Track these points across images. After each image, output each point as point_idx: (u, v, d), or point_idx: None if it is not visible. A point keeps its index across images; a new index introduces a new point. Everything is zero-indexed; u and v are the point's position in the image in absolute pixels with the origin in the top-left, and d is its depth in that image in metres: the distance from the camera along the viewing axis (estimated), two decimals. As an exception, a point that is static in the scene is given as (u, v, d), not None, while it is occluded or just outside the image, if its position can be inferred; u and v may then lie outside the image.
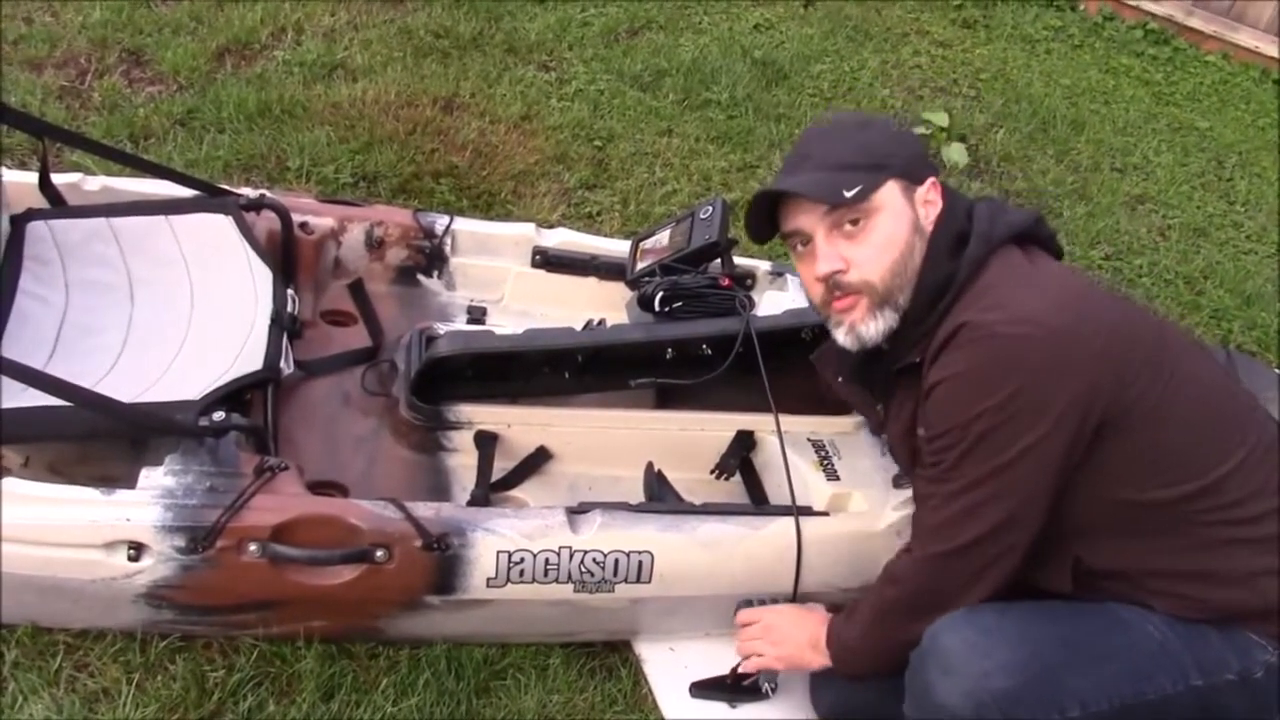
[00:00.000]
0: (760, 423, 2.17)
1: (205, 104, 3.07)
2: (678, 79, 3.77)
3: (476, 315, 2.40)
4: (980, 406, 1.50)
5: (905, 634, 1.59)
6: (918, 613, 1.58)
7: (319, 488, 1.89)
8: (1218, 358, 2.27)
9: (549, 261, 2.47)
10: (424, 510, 1.80)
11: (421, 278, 2.46)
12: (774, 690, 1.92)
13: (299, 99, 3.17)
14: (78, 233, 2.12)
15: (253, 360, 1.97)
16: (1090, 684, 1.50)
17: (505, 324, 2.31)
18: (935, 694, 1.51)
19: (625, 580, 1.86)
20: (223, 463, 1.76)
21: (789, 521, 1.91)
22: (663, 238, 2.30)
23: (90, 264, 2.09)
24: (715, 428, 2.20)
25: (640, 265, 2.30)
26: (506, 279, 2.47)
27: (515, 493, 2.09)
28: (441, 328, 2.21)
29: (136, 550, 1.68)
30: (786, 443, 2.00)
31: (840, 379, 1.88)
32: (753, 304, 2.17)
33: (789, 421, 2.08)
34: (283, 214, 2.27)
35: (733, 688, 1.92)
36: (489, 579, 1.80)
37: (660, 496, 2.01)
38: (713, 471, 2.20)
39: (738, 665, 1.90)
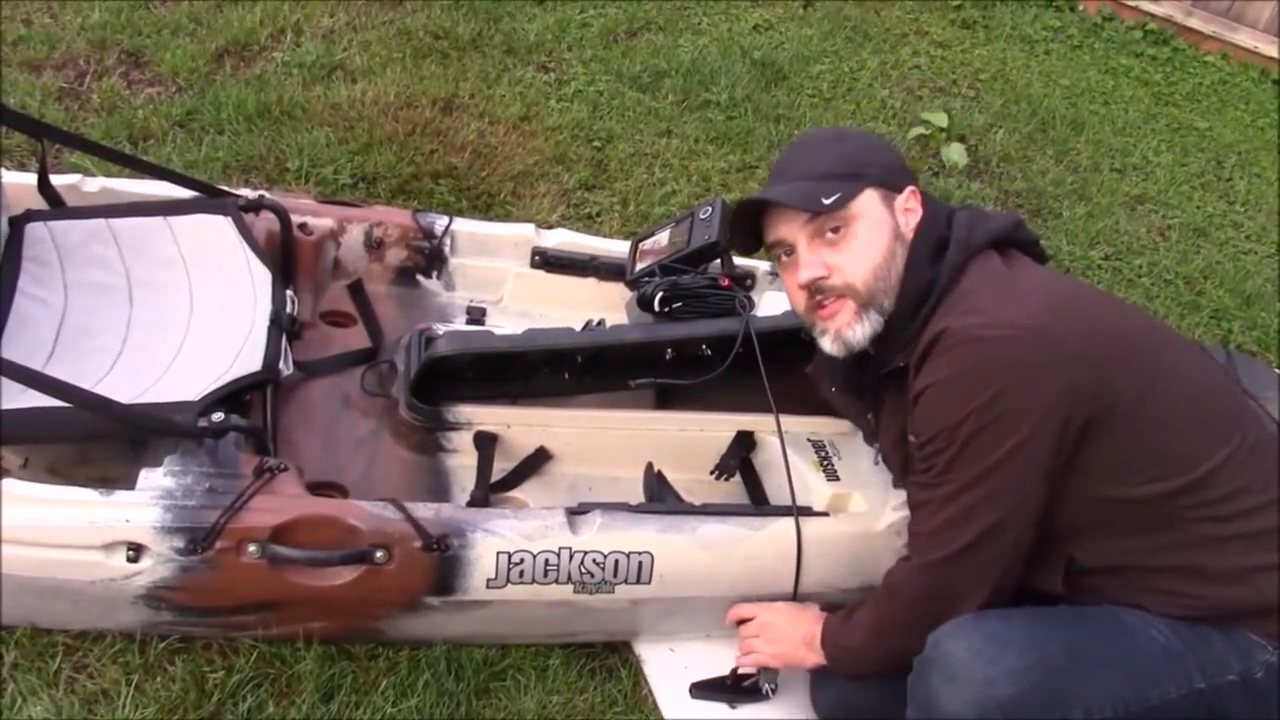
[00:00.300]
0: (760, 423, 2.17)
1: (204, 105, 3.07)
2: (677, 80, 3.77)
3: (476, 316, 2.40)
4: (965, 410, 1.51)
5: (907, 640, 1.59)
6: (920, 619, 1.58)
7: (318, 489, 1.88)
8: (1218, 357, 2.28)
9: (548, 262, 2.47)
10: (424, 511, 1.80)
11: (421, 278, 2.46)
12: (774, 691, 1.92)
13: (298, 100, 3.17)
14: (77, 234, 2.12)
15: (252, 361, 1.97)
16: (1095, 690, 1.50)
17: (505, 324, 2.31)
18: (939, 701, 1.51)
19: (625, 581, 1.85)
20: (222, 464, 1.76)
21: (789, 522, 1.91)
22: (662, 238, 2.30)
23: (89, 265, 2.09)
24: (715, 428, 2.20)
25: (640, 266, 2.30)
26: (506, 279, 2.47)
27: (515, 493, 2.09)
28: (441, 328, 2.21)
29: (136, 551, 1.68)
30: (786, 443, 2.00)
31: (833, 389, 1.90)
32: (752, 304, 2.17)
33: (789, 422, 2.08)
34: (282, 215, 2.27)
35: (733, 688, 1.92)
36: (489, 580, 1.79)
37: (660, 497, 2.01)
38: (713, 472, 2.20)
39: (738, 666, 1.90)
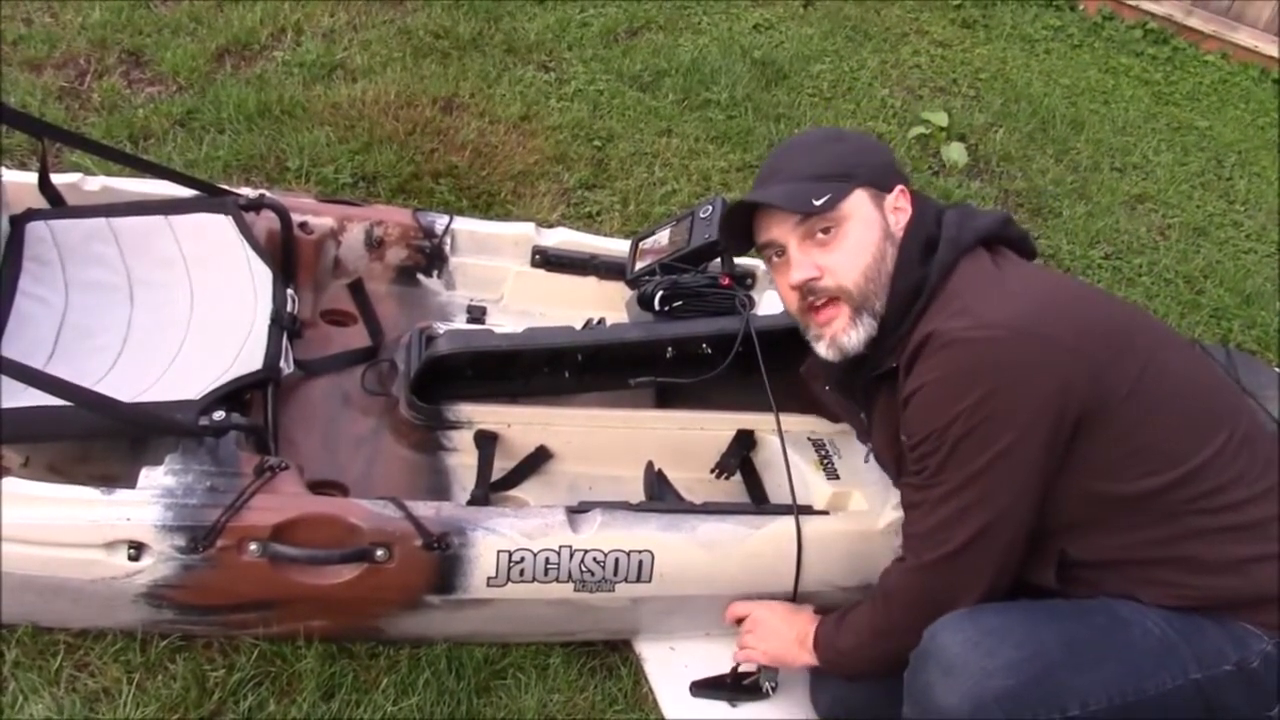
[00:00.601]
0: (760, 422, 2.18)
1: (205, 104, 3.07)
2: (677, 79, 3.77)
3: (476, 315, 2.40)
4: (954, 412, 1.52)
5: (902, 642, 1.60)
6: (916, 621, 1.58)
7: (319, 487, 1.89)
8: (1218, 356, 2.28)
9: (549, 261, 2.47)
10: (424, 509, 1.80)
11: (421, 277, 2.46)
12: (774, 689, 1.92)
13: (298, 99, 3.17)
14: (77, 233, 2.12)
15: (252, 360, 1.97)
16: (1091, 682, 1.50)
17: (505, 323, 2.31)
18: (935, 694, 1.51)
19: (625, 579, 1.86)
20: (223, 462, 1.76)
21: (789, 521, 1.91)
22: (662, 237, 2.30)
23: (90, 264, 2.09)
24: (715, 427, 2.20)
25: (640, 264, 2.30)
26: (506, 278, 2.47)
27: (515, 492, 2.10)
28: (441, 327, 2.21)
29: (137, 550, 1.68)
30: (787, 442, 2.00)
31: (826, 389, 1.91)
32: (752, 303, 2.17)
33: (789, 420, 2.08)
34: (282, 214, 2.27)
35: (733, 687, 1.92)
36: (489, 578, 1.80)
37: (660, 496, 2.01)
38: (713, 471, 2.20)
39: (738, 664, 1.91)
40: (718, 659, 1.94)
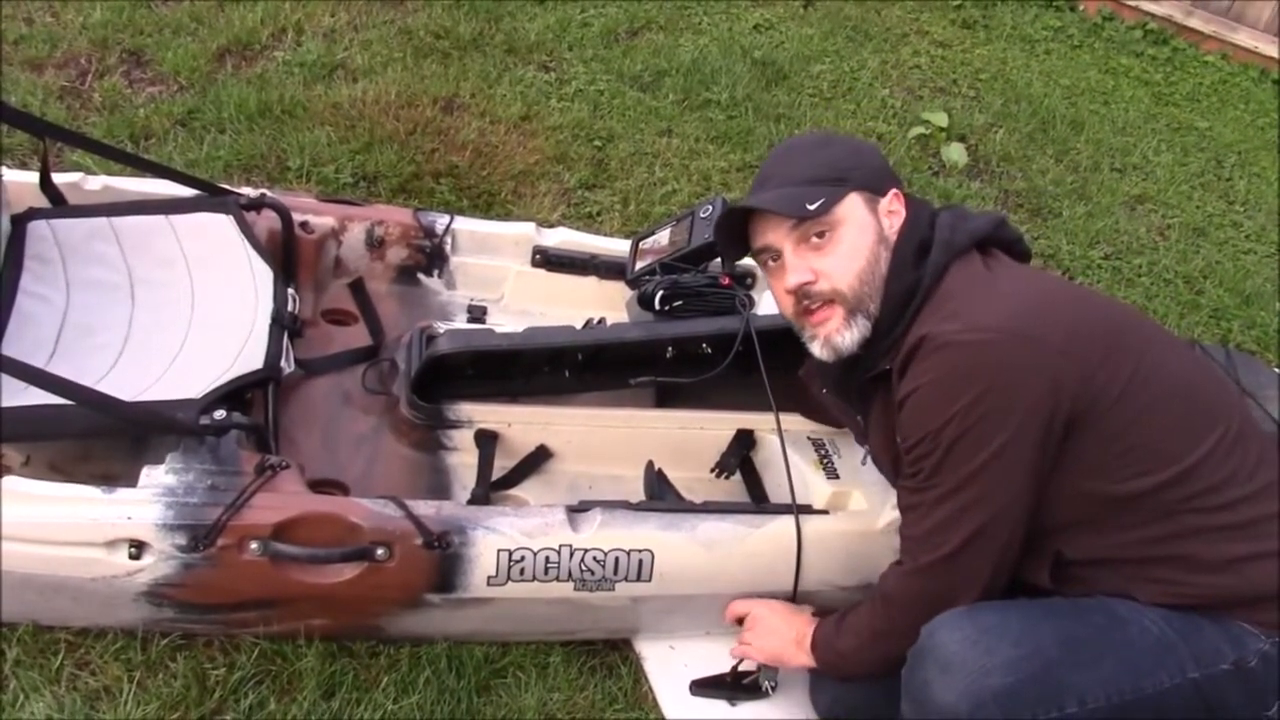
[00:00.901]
0: (760, 421, 2.18)
1: (206, 104, 3.07)
2: (677, 79, 3.77)
3: (477, 314, 2.40)
4: (948, 414, 1.52)
5: (901, 644, 1.60)
6: (914, 623, 1.59)
7: (320, 486, 1.89)
8: (1217, 356, 2.28)
9: (549, 261, 2.48)
10: (424, 508, 1.80)
11: (422, 277, 2.46)
12: (774, 689, 1.92)
13: (299, 99, 3.17)
14: (79, 232, 2.12)
15: (253, 359, 1.98)
16: (1089, 680, 1.51)
17: (505, 323, 2.31)
18: (933, 691, 1.52)
19: (625, 579, 1.86)
20: (224, 461, 1.77)
21: (789, 520, 1.91)
22: (662, 237, 2.31)
23: (91, 263, 2.09)
24: (715, 426, 2.21)
25: (640, 264, 2.30)
26: (507, 278, 2.48)
27: (515, 491, 2.10)
28: (442, 326, 2.21)
29: (137, 548, 1.68)
30: (786, 441, 2.00)
31: (824, 391, 1.91)
32: (753, 303, 2.16)
33: (789, 420, 2.08)
34: (283, 213, 2.27)
35: (732, 686, 1.92)
36: (489, 577, 1.80)
37: (660, 495, 2.02)
38: (713, 470, 2.20)
39: (738, 664, 1.91)
40: (718, 658, 1.94)
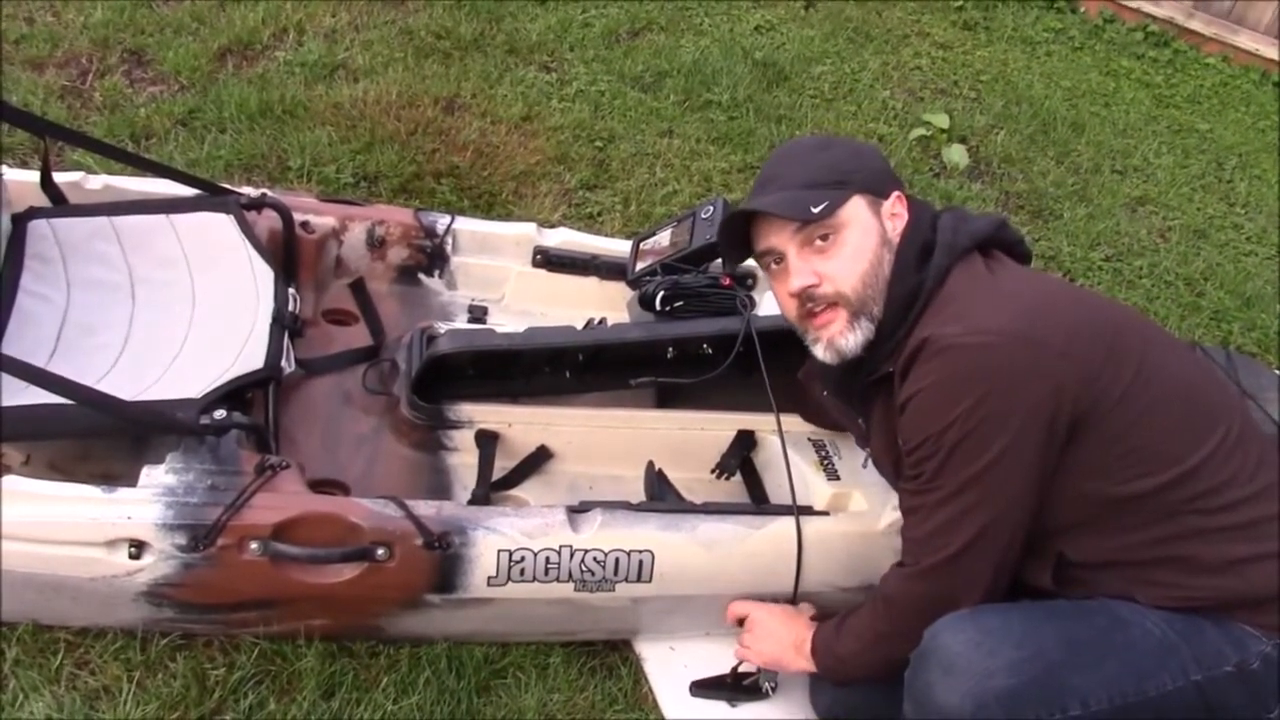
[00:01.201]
0: (761, 422, 2.18)
1: (207, 104, 3.07)
2: (678, 80, 3.77)
3: (477, 314, 2.40)
4: (950, 416, 1.53)
5: (902, 647, 1.60)
6: (915, 626, 1.58)
7: (320, 486, 1.89)
8: (1218, 358, 2.28)
9: (550, 261, 2.48)
10: (425, 509, 1.80)
11: (423, 277, 2.46)
12: (774, 690, 1.92)
13: (300, 99, 3.17)
14: (79, 231, 2.12)
15: (254, 359, 1.98)
16: (1091, 682, 1.51)
17: (506, 323, 2.31)
18: (936, 693, 1.52)
19: (626, 579, 1.86)
20: (224, 461, 1.76)
21: (789, 521, 1.91)
22: (663, 237, 2.31)
23: (92, 262, 2.09)
24: (716, 427, 2.21)
25: (641, 265, 2.30)
26: (508, 278, 2.47)
27: (516, 492, 2.10)
28: (442, 326, 2.21)
29: (137, 548, 1.68)
30: (787, 442, 2.00)
31: (825, 393, 1.91)
32: (754, 303, 2.16)
33: (790, 421, 2.08)
34: (284, 213, 2.27)
35: (733, 687, 1.92)
36: (490, 578, 1.80)
37: (661, 496, 2.02)
38: (713, 471, 2.20)
39: (738, 665, 1.91)
40: (718, 659, 1.94)
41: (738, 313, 2.11)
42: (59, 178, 2.21)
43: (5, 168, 2.18)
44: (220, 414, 1.79)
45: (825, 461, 2.13)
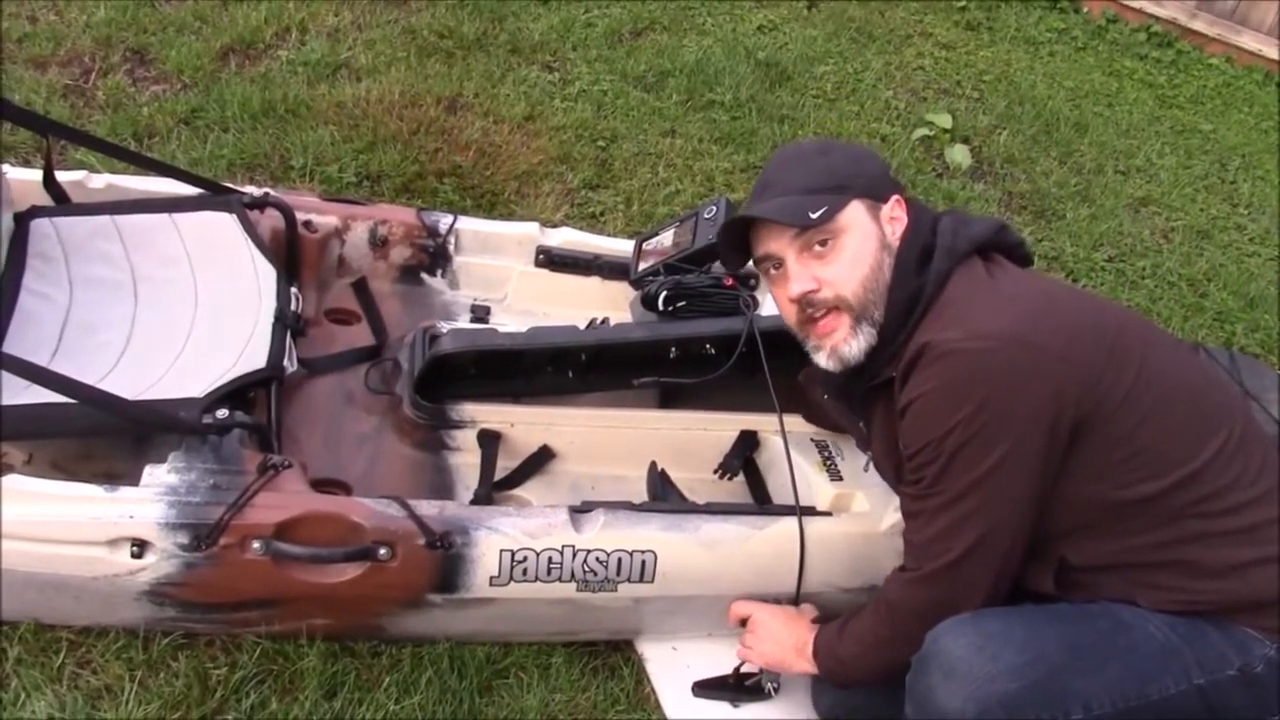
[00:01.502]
0: (764, 423, 2.17)
1: (209, 103, 3.07)
2: (681, 80, 3.77)
3: (480, 314, 2.40)
4: (950, 422, 1.52)
5: (904, 651, 1.60)
6: (917, 630, 1.58)
7: (322, 486, 1.89)
8: (1221, 359, 2.28)
9: (552, 261, 2.47)
10: (427, 508, 1.80)
11: (425, 276, 2.46)
12: (777, 690, 1.92)
13: (303, 98, 3.17)
14: (82, 230, 2.12)
15: (256, 358, 1.98)
16: (1094, 686, 1.51)
17: (509, 323, 2.31)
18: (938, 697, 1.51)
19: (628, 579, 1.85)
20: (226, 460, 1.76)
21: (792, 521, 1.90)
22: (666, 237, 2.31)
23: (94, 261, 2.09)
24: (718, 427, 2.21)
25: (644, 265, 2.30)
26: (510, 278, 2.47)
27: (518, 492, 2.10)
28: (445, 326, 2.21)
29: (140, 547, 1.68)
30: (790, 443, 2.00)
31: (826, 396, 1.91)
32: (756, 303, 2.16)
33: (792, 421, 2.08)
34: (287, 212, 2.27)
35: (735, 687, 1.92)
36: (492, 578, 1.80)
37: (663, 496, 2.02)
38: (716, 471, 2.20)
39: (740, 665, 1.91)
40: (720, 659, 1.93)
41: (740, 313, 2.11)
42: (61, 176, 2.20)
43: (8, 166, 2.18)
44: (222, 413, 1.79)
45: (828, 462, 2.13)
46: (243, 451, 1.79)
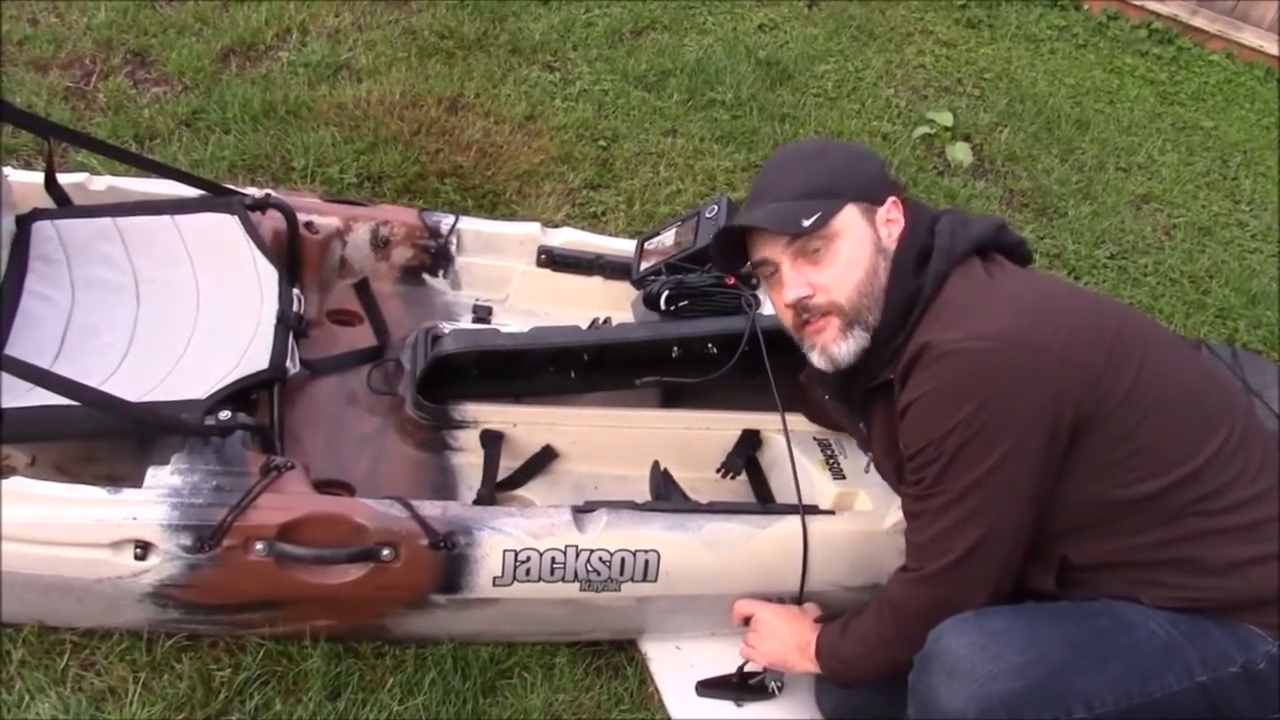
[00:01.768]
0: (766, 421, 2.17)
1: (210, 105, 3.07)
2: (682, 79, 3.77)
3: (482, 314, 2.40)
4: (951, 422, 1.52)
5: (906, 651, 1.60)
6: (919, 631, 1.58)
7: (325, 487, 1.89)
8: (1223, 355, 2.28)
9: (554, 261, 2.47)
10: (430, 509, 1.80)
11: (427, 277, 2.46)
12: (780, 689, 1.92)
13: (304, 99, 3.17)
14: (83, 232, 2.12)
15: (259, 359, 1.98)
16: (1096, 684, 1.50)
17: (511, 323, 2.31)
18: (940, 697, 1.51)
19: (631, 579, 1.85)
20: (229, 462, 1.76)
21: (795, 520, 1.90)
22: (668, 237, 2.31)
23: (96, 263, 2.09)
24: (721, 426, 2.21)
25: (645, 264, 2.30)
26: (512, 278, 2.47)
27: (521, 492, 2.10)
28: (447, 326, 2.21)
29: (143, 549, 1.68)
30: (792, 441, 2.00)
31: (826, 397, 1.91)
32: (758, 303, 2.16)
33: (795, 420, 2.08)
34: (288, 213, 2.27)
35: (739, 686, 1.92)
36: (495, 578, 1.80)
37: (666, 495, 2.02)
38: (719, 470, 2.20)
39: (744, 664, 1.91)
40: (724, 658, 1.93)
41: (742, 312, 2.11)
42: (63, 179, 2.21)
43: (9, 169, 2.18)
44: (225, 415, 1.80)
45: (830, 461, 2.13)
46: (245, 453, 1.79)
